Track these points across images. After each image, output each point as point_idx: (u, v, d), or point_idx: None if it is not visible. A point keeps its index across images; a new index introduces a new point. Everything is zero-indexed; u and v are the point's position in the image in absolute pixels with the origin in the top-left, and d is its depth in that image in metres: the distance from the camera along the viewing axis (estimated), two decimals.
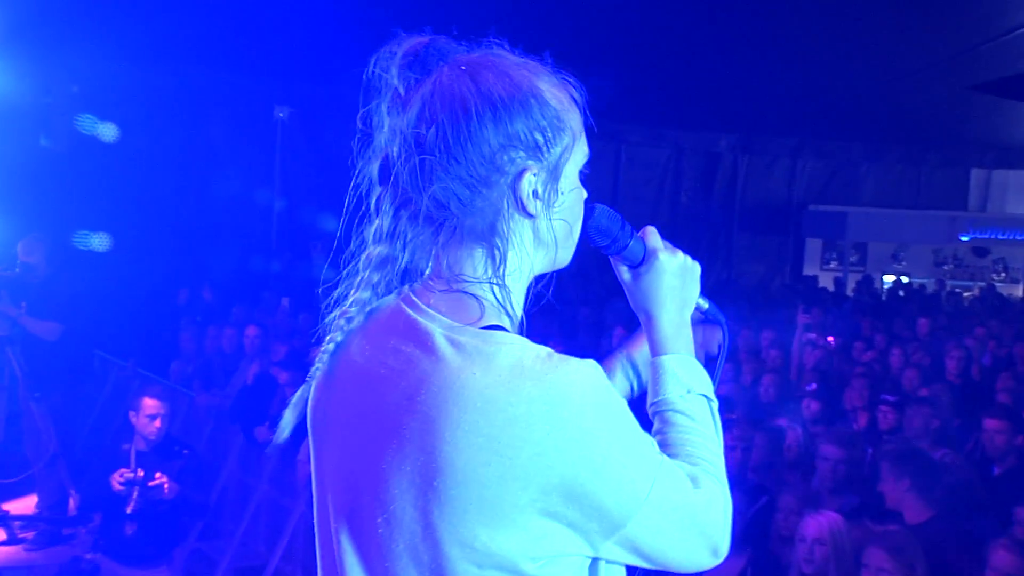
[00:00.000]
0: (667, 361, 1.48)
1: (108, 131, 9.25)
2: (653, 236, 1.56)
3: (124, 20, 8.43)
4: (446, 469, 1.22)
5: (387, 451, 1.28)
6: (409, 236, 1.35)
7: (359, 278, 1.39)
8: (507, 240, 1.33)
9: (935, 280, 17.35)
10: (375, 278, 1.38)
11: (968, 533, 4.40)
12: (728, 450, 4.61)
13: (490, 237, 1.33)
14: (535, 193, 1.33)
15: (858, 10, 9.32)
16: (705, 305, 1.60)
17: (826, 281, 16.67)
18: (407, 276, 1.39)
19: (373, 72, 1.36)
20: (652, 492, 1.27)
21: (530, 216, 1.34)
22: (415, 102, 1.31)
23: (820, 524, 3.96)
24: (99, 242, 7.82)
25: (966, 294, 16.50)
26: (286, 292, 9.74)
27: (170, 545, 5.13)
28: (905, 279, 17.36)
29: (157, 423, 5.04)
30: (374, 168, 1.36)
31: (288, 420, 1.43)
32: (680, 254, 1.57)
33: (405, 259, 1.37)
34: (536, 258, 1.40)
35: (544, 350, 1.26)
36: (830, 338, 9.25)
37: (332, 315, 1.42)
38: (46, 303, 6.51)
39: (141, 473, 4.87)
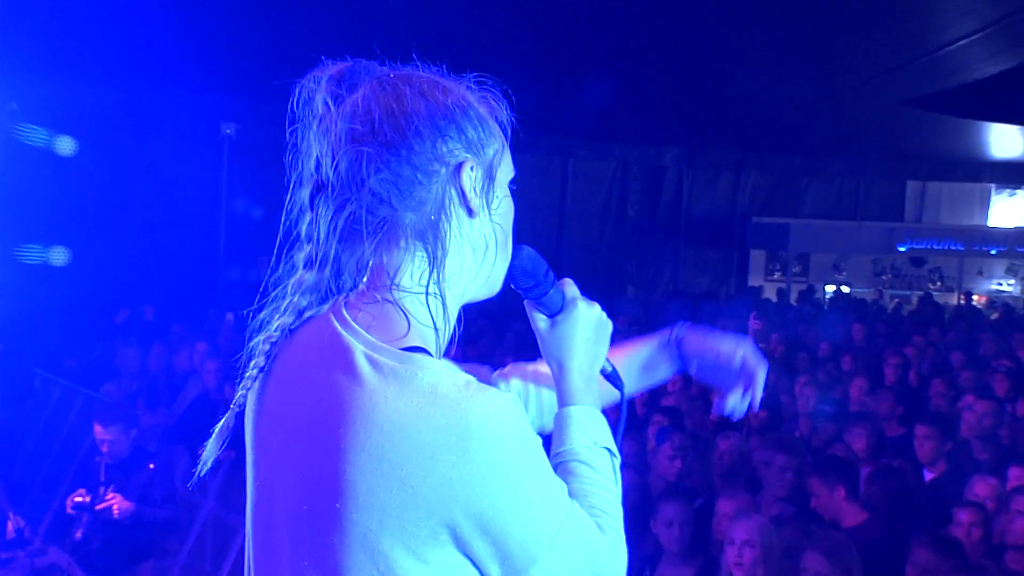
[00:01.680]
0: (575, 412, 1.44)
1: (53, 146, 9.10)
2: (571, 286, 1.53)
3: (67, 37, 8.32)
4: (348, 492, 1.20)
5: (299, 470, 1.26)
6: (343, 250, 1.31)
7: (287, 302, 1.36)
8: (447, 240, 1.30)
9: (875, 290, 17.61)
10: (303, 303, 1.35)
11: (900, 533, 4.46)
12: (667, 459, 4.62)
13: (431, 235, 1.30)
14: (475, 188, 1.31)
15: (796, 27, 9.44)
16: (609, 368, 1.57)
17: (770, 292, 16.87)
18: (338, 293, 1.35)
19: (299, 98, 1.35)
20: (559, 535, 1.24)
21: (471, 214, 1.32)
22: (346, 107, 1.30)
23: (749, 526, 3.99)
24: (34, 258, 7.68)
25: (899, 303, 16.76)
26: (232, 307, 9.64)
27: (135, 557, 5.10)
28: (846, 289, 17.60)
29: (106, 448, 5.05)
30: (305, 193, 1.33)
31: (211, 451, 1.41)
32: (597, 307, 1.54)
33: (335, 281, 1.34)
34: (471, 268, 1.36)
35: (464, 378, 1.22)
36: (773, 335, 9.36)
37: (256, 339, 1.39)
38: None
39: (88, 499, 4.87)
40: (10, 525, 5.27)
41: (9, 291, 6.84)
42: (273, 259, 1.38)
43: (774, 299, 15.80)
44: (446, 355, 1.34)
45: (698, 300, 13.96)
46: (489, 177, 1.34)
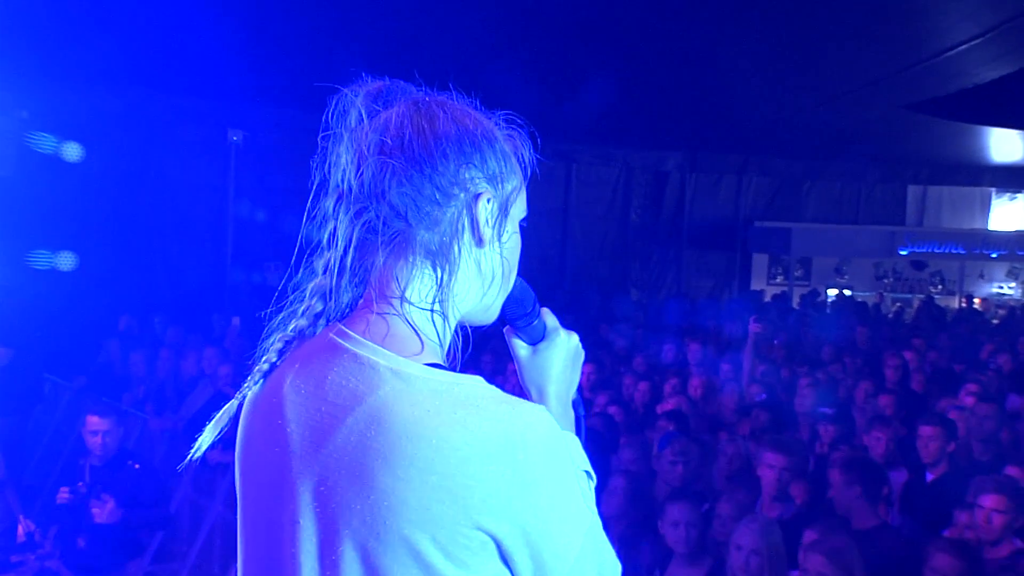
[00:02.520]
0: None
1: (62, 153, 9.13)
2: (551, 316, 1.55)
3: (76, 45, 8.34)
4: (399, 508, 1.18)
5: (338, 492, 1.23)
6: (356, 257, 1.32)
7: (304, 306, 1.37)
8: (456, 263, 1.32)
9: (876, 293, 17.60)
10: (319, 307, 1.36)
11: (911, 541, 4.44)
12: (669, 465, 4.62)
13: (441, 256, 1.31)
14: (488, 221, 1.32)
15: (798, 33, 9.44)
16: (576, 396, 1.59)
17: (772, 296, 16.85)
18: (347, 309, 1.36)
19: (335, 110, 1.35)
20: (584, 546, 1.27)
21: (480, 243, 1.34)
22: (379, 121, 1.31)
23: (753, 532, 3.98)
24: (44, 265, 7.70)
25: (900, 306, 16.74)
26: (238, 312, 9.66)
27: (122, 556, 5.12)
28: (848, 292, 17.58)
29: (99, 439, 5.09)
30: (330, 203, 1.34)
31: (208, 437, 1.40)
32: (575, 337, 1.57)
33: (350, 292, 1.35)
34: (473, 293, 1.37)
35: (497, 390, 1.24)
36: (775, 341, 9.34)
37: (270, 340, 1.39)
38: None
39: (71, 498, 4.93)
40: (20, 529, 5.29)
41: (19, 296, 6.85)
42: (292, 263, 1.39)
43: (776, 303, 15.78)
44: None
45: (699, 304, 13.98)
46: (504, 212, 1.36)
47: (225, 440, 5.10)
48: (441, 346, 1.33)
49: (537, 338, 1.54)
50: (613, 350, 9.06)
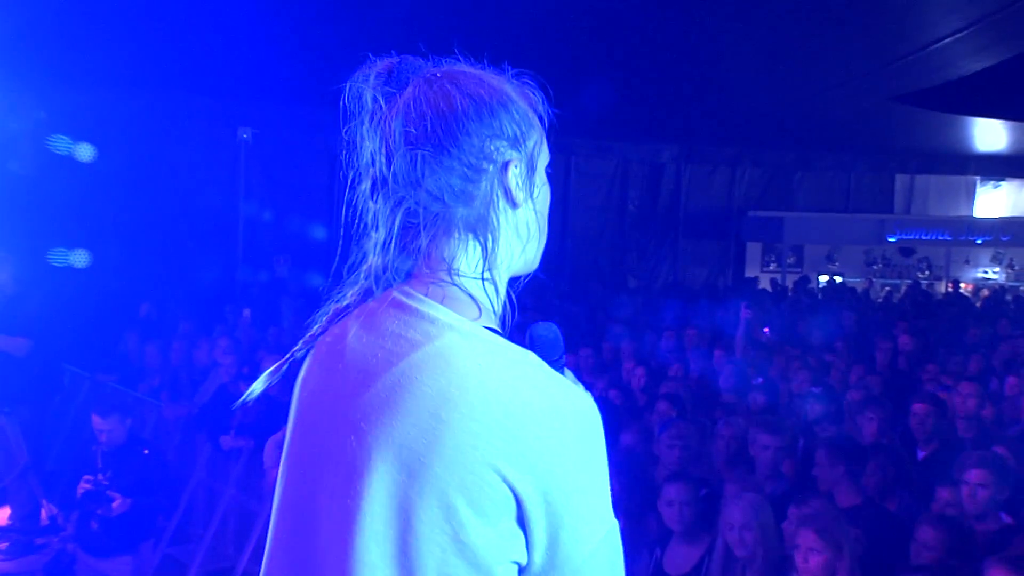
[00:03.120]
0: None
1: (78, 153, 9.15)
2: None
3: (91, 48, 8.36)
4: (435, 446, 1.19)
5: (382, 428, 1.23)
6: (402, 239, 1.33)
7: (358, 287, 1.38)
8: (497, 230, 1.33)
9: (866, 279, 17.63)
10: (367, 286, 1.37)
11: (894, 516, 4.47)
12: (667, 448, 4.62)
13: (481, 227, 1.32)
14: (519, 183, 1.34)
15: (788, 29, 9.45)
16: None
17: (766, 282, 16.89)
18: (397, 279, 1.36)
19: (350, 95, 1.36)
20: (603, 540, 1.26)
21: (516, 205, 1.35)
22: (399, 108, 1.31)
23: (744, 509, 4.01)
24: (61, 260, 7.72)
25: (889, 291, 16.75)
26: (249, 304, 9.68)
27: (134, 539, 5.16)
28: (839, 279, 17.61)
29: (104, 436, 5.14)
30: (367, 186, 1.35)
31: (259, 386, 1.42)
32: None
33: (398, 264, 1.34)
34: (516, 252, 1.39)
35: (548, 367, 1.25)
36: (765, 329, 9.35)
37: (325, 307, 1.41)
38: (15, 319, 6.42)
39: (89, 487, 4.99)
40: (43, 512, 5.34)
41: (38, 290, 6.86)
42: (341, 246, 1.41)
43: (769, 289, 15.79)
44: None
45: (695, 294, 13.99)
46: (531, 168, 1.37)
47: (238, 426, 5.14)
48: (495, 313, 1.34)
49: None
50: (612, 335, 9.05)
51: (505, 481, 1.19)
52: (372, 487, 1.22)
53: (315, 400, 1.36)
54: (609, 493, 1.30)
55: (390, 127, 1.31)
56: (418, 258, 1.33)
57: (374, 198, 1.34)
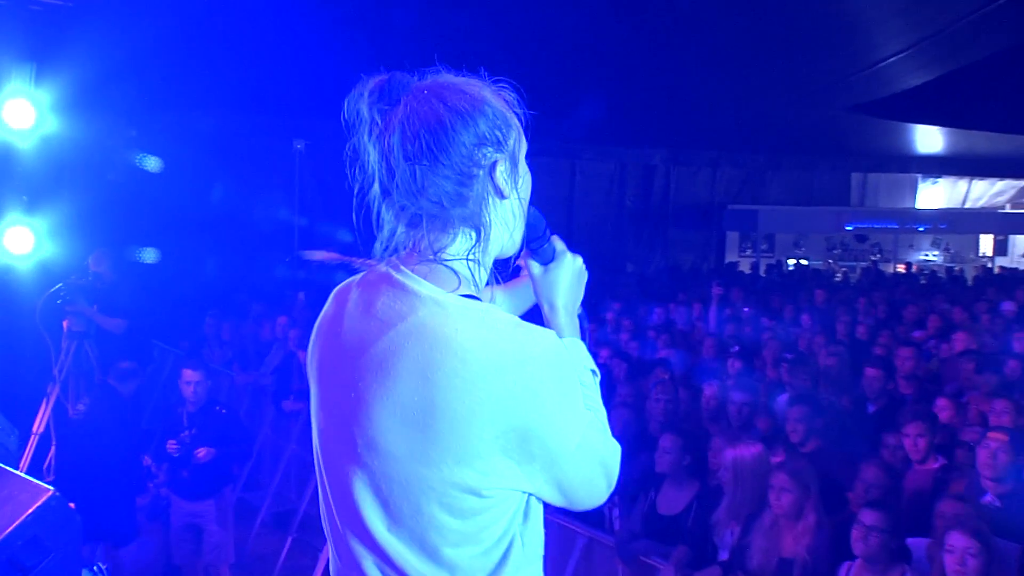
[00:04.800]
0: (566, 344, 1.44)
1: (160, 166, 9.25)
2: (560, 242, 1.52)
3: (172, 76, 8.43)
4: (425, 404, 1.21)
5: (376, 386, 1.25)
6: (406, 232, 1.32)
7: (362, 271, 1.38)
8: (490, 224, 1.31)
9: (827, 261, 17.56)
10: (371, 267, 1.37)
11: (847, 455, 4.49)
12: (655, 403, 4.61)
13: (476, 221, 1.30)
14: (505, 180, 1.31)
15: (760, 53, 9.52)
16: (580, 311, 1.56)
17: (745, 266, 16.80)
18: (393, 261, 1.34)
19: (349, 111, 1.33)
20: (582, 440, 1.28)
21: (504, 197, 1.32)
22: (395, 126, 1.27)
23: (731, 455, 4.05)
24: (150, 256, 7.78)
25: (846, 272, 16.69)
26: (303, 288, 9.75)
27: (216, 484, 5.22)
28: (804, 262, 17.55)
29: (192, 388, 5.17)
30: (376, 189, 1.32)
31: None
32: (580, 259, 1.55)
33: (397, 251, 1.33)
34: (504, 238, 1.37)
35: (514, 317, 1.26)
36: (746, 309, 9.34)
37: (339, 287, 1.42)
38: (113, 303, 6.48)
39: (186, 438, 5.07)
40: (145, 460, 5.44)
41: (132, 280, 6.96)
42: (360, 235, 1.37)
43: (748, 271, 15.77)
44: None
45: (683, 275, 13.97)
46: (514, 163, 1.33)
47: (296, 392, 5.21)
48: (475, 283, 1.32)
49: (548, 259, 1.52)
50: (612, 310, 9.05)
51: (492, 426, 1.20)
52: (374, 427, 1.25)
53: (325, 360, 1.37)
54: (584, 393, 1.31)
55: (388, 143, 1.27)
56: (414, 246, 1.31)
57: (384, 200, 1.31)
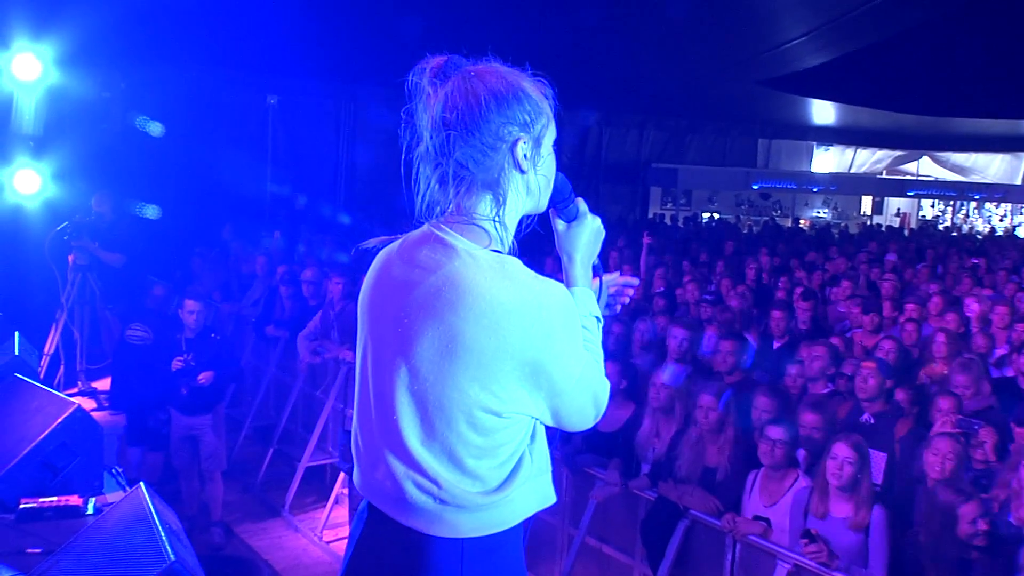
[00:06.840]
0: (577, 291, 1.51)
1: (152, 126, 8.93)
2: (583, 203, 1.58)
3: (155, 32, 8.10)
4: (458, 338, 1.28)
5: (418, 322, 1.32)
6: (438, 191, 1.37)
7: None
8: (507, 189, 1.36)
9: (735, 215, 17.93)
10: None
11: (757, 382, 4.69)
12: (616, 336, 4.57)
13: (495, 187, 1.36)
14: (525, 156, 1.36)
15: (680, 30, 9.64)
16: (596, 261, 1.60)
17: (667, 218, 16.97)
18: (432, 218, 1.40)
19: (412, 81, 1.38)
20: (580, 375, 1.37)
21: (523, 172, 1.37)
22: (440, 98, 1.33)
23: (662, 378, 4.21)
24: (150, 209, 7.57)
25: (751, 225, 17.08)
26: (278, 227, 9.59)
27: (212, 401, 5.24)
28: (717, 215, 17.86)
29: (193, 316, 5.15)
30: (421, 150, 1.37)
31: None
32: (599, 220, 1.59)
33: (434, 208, 1.39)
34: (525, 203, 1.42)
35: (532, 272, 1.33)
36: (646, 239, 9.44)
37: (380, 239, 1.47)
38: (113, 240, 6.37)
39: (190, 360, 5.03)
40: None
41: (127, 219, 6.84)
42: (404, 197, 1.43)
43: (669, 223, 15.99)
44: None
45: (611, 226, 14.05)
46: (537, 145, 1.38)
47: (276, 320, 5.22)
48: (502, 241, 1.38)
49: (571, 218, 1.55)
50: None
51: (511, 359, 1.29)
52: (416, 356, 1.32)
53: (375, 302, 1.43)
54: (586, 338, 1.41)
55: (433, 111, 1.33)
56: (448, 205, 1.37)
57: (425, 162, 1.37)
